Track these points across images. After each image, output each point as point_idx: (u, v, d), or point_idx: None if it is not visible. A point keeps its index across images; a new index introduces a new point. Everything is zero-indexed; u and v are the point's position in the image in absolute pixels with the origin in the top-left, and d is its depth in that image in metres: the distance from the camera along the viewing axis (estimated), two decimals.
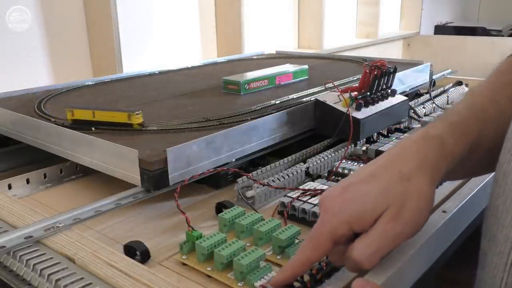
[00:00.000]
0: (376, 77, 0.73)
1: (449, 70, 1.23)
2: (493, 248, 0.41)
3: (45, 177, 0.66)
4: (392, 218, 0.38)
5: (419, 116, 0.88)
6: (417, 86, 1.05)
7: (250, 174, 0.58)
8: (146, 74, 1.10)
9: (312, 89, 0.86)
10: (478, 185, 0.61)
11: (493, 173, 0.42)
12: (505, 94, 0.45)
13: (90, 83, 0.99)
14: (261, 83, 0.89)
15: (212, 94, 0.89)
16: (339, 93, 0.73)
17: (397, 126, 0.83)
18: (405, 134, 0.76)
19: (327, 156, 0.66)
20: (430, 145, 0.41)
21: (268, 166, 0.62)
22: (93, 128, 0.65)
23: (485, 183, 0.62)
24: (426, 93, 1.03)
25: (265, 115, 0.69)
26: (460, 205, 0.56)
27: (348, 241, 0.39)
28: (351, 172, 0.62)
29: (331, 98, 0.73)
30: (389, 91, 0.77)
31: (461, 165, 0.43)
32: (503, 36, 2.99)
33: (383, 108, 0.75)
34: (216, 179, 0.62)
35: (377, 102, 0.74)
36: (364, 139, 0.75)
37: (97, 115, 0.65)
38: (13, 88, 0.89)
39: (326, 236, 0.38)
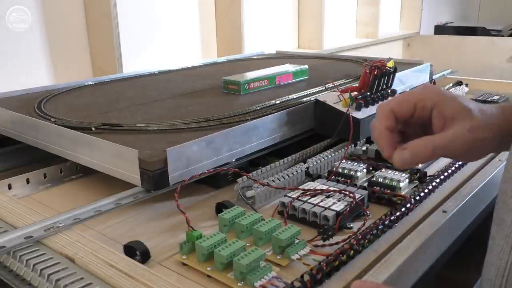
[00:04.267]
0: (376, 77, 0.73)
1: (449, 70, 1.23)
2: (501, 231, 0.42)
3: (45, 177, 0.66)
4: (468, 128, 0.43)
5: None
6: (417, 86, 1.05)
7: (250, 174, 0.58)
8: (146, 74, 1.10)
9: (312, 89, 0.86)
10: (478, 185, 0.61)
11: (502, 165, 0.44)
12: None
13: (90, 83, 0.99)
14: (261, 83, 0.89)
15: (212, 94, 0.89)
16: (339, 93, 0.73)
17: None
18: None
19: (327, 156, 0.66)
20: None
21: (268, 166, 0.62)
22: (93, 128, 0.65)
23: (485, 183, 0.62)
24: None
25: (265, 115, 0.69)
26: (460, 205, 0.56)
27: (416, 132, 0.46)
28: (351, 172, 0.63)
29: (331, 98, 0.73)
30: (389, 91, 0.77)
31: None
32: (503, 36, 2.99)
33: None
34: (216, 179, 0.62)
35: (377, 102, 0.74)
36: (364, 139, 0.75)
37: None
38: (13, 88, 0.89)
39: (410, 96, 0.45)
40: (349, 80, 0.94)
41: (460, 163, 0.66)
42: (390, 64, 0.97)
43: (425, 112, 0.45)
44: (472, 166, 0.68)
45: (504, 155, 0.72)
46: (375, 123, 0.46)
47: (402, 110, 0.45)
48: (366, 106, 0.72)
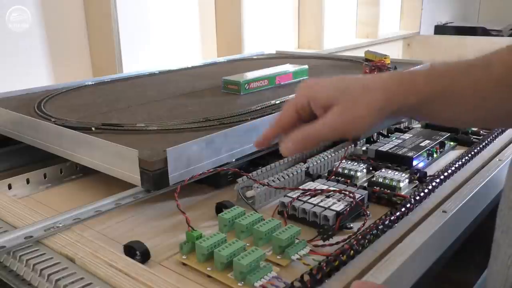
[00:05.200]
0: None
1: None
2: (507, 239, 0.41)
3: (45, 177, 0.66)
4: (338, 113, 0.43)
5: None
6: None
7: (250, 174, 0.58)
8: (146, 74, 1.10)
9: None
10: (478, 185, 0.61)
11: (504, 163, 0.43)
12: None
13: (90, 83, 0.99)
14: (261, 83, 0.89)
15: (212, 94, 0.89)
16: None
17: (397, 126, 0.83)
18: (405, 134, 0.76)
19: (327, 156, 0.66)
20: (397, 78, 0.45)
21: (268, 166, 0.62)
22: (93, 128, 0.65)
23: (485, 183, 0.62)
24: None
25: (265, 115, 0.69)
26: (460, 205, 0.56)
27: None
28: (351, 172, 0.63)
29: None
30: None
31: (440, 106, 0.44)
32: (503, 36, 2.99)
33: None
34: (216, 179, 0.62)
35: None
36: (364, 139, 0.75)
37: (376, 58, 1.05)
38: (13, 88, 0.89)
39: (291, 103, 0.47)
40: None
41: (460, 163, 0.66)
42: (366, 54, 1.03)
43: (308, 109, 0.46)
44: (472, 166, 0.68)
45: (504, 155, 0.72)
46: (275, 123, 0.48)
47: (286, 120, 0.47)
48: None
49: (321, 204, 0.52)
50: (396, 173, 0.61)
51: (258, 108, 0.74)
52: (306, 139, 0.45)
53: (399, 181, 0.59)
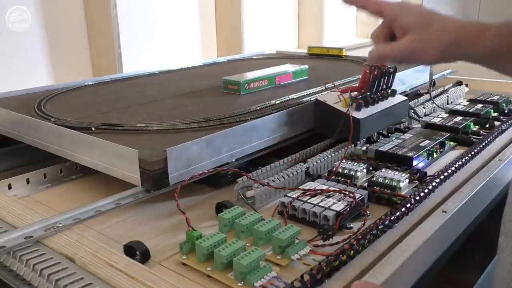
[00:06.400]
0: (376, 77, 0.73)
1: (449, 70, 1.23)
2: (510, 244, 0.41)
3: (45, 177, 0.66)
4: (412, 40, 0.51)
5: (419, 116, 0.88)
6: (417, 86, 1.05)
7: (250, 174, 0.58)
8: (146, 74, 1.10)
9: (312, 89, 0.86)
10: (478, 185, 0.61)
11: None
12: None
13: (90, 83, 0.99)
14: (261, 83, 0.89)
15: (212, 94, 0.89)
16: (339, 93, 0.73)
17: (397, 126, 0.83)
18: (405, 134, 0.76)
19: (327, 156, 0.66)
20: (473, 29, 0.51)
21: (268, 166, 0.62)
22: (93, 128, 0.65)
23: (485, 183, 0.62)
24: (426, 93, 1.03)
25: (265, 115, 0.69)
26: (460, 205, 0.56)
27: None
28: (351, 172, 0.63)
29: (331, 98, 0.73)
30: (389, 91, 0.77)
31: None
32: None
33: (383, 108, 0.75)
34: (216, 179, 0.62)
35: (377, 102, 0.74)
36: (364, 139, 0.75)
37: (330, 51, 1.26)
38: (13, 88, 0.89)
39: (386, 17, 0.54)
40: (349, 80, 0.94)
41: (460, 163, 0.66)
42: (311, 50, 1.22)
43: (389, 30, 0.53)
44: (472, 166, 0.68)
45: (504, 155, 0.72)
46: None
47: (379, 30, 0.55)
48: (366, 106, 0.72)
49: (321, 204, 0.52)
50: (396, 173, 0.61)
51: (258, 108, 0.74)
52: (382, 56, 0.54)
53: (399, 181, 0.59)
